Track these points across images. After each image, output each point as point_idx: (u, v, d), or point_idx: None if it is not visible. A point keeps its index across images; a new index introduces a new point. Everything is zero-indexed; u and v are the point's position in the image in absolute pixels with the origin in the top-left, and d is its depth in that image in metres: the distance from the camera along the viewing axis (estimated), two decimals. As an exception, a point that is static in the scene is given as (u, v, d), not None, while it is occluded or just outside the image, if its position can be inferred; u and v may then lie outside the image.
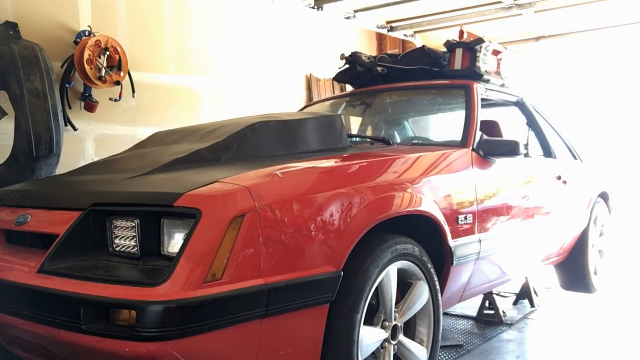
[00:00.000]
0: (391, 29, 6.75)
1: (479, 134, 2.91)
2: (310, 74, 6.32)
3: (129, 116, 4.61)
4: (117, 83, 4.31)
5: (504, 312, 3.70)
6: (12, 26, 3.77)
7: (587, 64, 6.66)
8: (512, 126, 3.68)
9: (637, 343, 3.22)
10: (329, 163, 2.18)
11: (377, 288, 2.07)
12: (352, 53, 3.79)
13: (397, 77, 3.66)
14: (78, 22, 4.29)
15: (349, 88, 4.36)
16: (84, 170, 2.52)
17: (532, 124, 3.67)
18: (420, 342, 2.34)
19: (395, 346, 2.21)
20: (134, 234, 1.70)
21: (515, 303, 4.08)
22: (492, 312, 3.67)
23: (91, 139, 4.40)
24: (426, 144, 3.30)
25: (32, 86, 3.54)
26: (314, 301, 1.80)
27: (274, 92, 5.86)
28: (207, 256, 1.54)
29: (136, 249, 1.70)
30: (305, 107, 4.24)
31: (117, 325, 1.52)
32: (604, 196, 4.34)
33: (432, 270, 2.34)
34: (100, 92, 4.32)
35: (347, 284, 1.90)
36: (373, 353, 2.14)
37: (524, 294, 4.04)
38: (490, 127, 3.31)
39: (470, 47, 3.33)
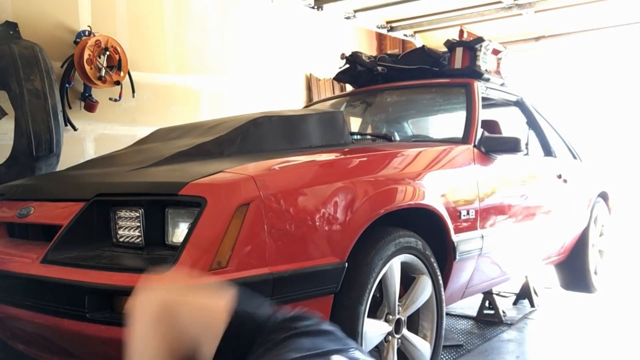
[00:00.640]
0: (391, 29, 6.76)
1: (480, 131, 2.92)
2: (310, 74, 6.33)
3: (129, 116, 4.60)
4: (117, 83, 4.30)
5: (504, 312, 3.70)
6: (12, 26, 3.77)
7: (587, 64, 6.68)
8: (511, 126, 3.68)
9: (637, 343, 3.22)
10: (333, 156, 2.19)
11: (380, 281, 2.07)
12: (353, 53, 3.79)
13: (398, 76, 3.66)
14: (78, 22, 4.29)
15: (348, 88, 4.36)
16: (86, 165, 2.52)
17: (532, 123, 3.68)
18: (424, 337, 2.34)
19: (399, 340, 2.20)
20: (138, 224, 1.70)
21: (515, 303, 4.07)
22: (492, 312, 3.66)
23: (91, 139, 4.39)
24: (428, 141, 3.30)
25: (32, 86, 3.53)
26: (318, 292, 1.80)
27: (274, 92, 5.86)
28: (212, 244, 1.54)
29: (140, 239, 1.69)
30: (305, 107, 4.24)
31: (122, 314, 1.51)
32: (603, 196, 4.34)
33: (435, 264, 2.34)
34: (100, 92, 4.31)
35: (351, 275, 1.90)
36: (377, 347, 2.13)
37: (524, 294, 4.04)
38: (490, 126, 3.31)
39: (471, 46, 3.34)
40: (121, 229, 1.74)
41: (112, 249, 1.75)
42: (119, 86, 4.32)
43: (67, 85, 4.15)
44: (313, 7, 5.77)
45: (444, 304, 2.40)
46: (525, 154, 3.01)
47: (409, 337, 2.24)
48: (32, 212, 1.97)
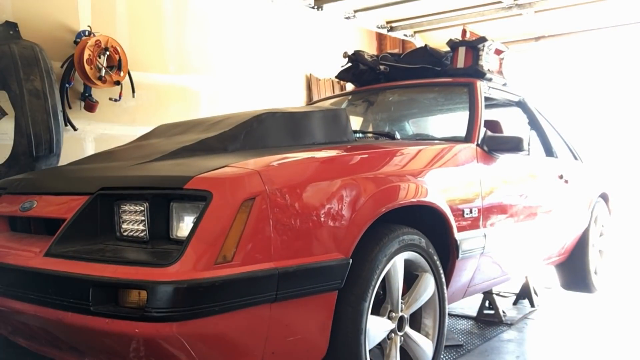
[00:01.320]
0: (391, 29, 6.77)
1: (483, 129, 2.92)
2: (310, 74, 6.33)
3: (128, 116, 4.60)
4: (117, 83, 4.30)
5: (504, 312, 3.69)
6: (12, 26, 3.76)
7: (587, 64, 6.69)
8: (513, 127, 3.68)
9: (637, 343, 3.21)
10: (338, 153, 2.18)
11: (384, 278, 2.06)
12: (355, 51, 3.80)
13: (400, 76, 3.66)
14: (78, 22, 4.29)
15: (349, 88, 4.36)
16: (89, 159, 2.50)
17: (534, 123, 3.69)
18: (426, 335, 2.33)
19: (402, 338, 2.20)
20: (143, 218, 1.69)
21: (515, 303, 4.07)
22: (492, 312, 3.65)
23: (91, 139, 4.38)
24: (430, 139, 3.30)
25: (32, 86, 3.53)
26: (323, 287, 1.78)
27: (274, 92, 5.86)
28: (218, 238, 1.53)
29: (144, 233, 1.68)
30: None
31: (127, 307, 1.50)
32: (604, 197, 4.36)
33: (438, 262, 2.33)
34: (100, 92, 4.31)
35: (355, 271, 1.89)
36: (380, 345, 2.13)
37: (524, 294, 4.03)
38: (492, 126, 3.31)
39: (473, 45, 3.34)
40: (125, 223, 1.73)
41: (116, 242, 1.74)
42: (119, 86, 4.32)
43: (67, 85, 4.15)
44: (313, 7, 5.77)
45: (446, 302, 2.40)
46: (527, 154, 3.01)
47: (411, 335, 2.23)
48: (35, 205, 1.96)
